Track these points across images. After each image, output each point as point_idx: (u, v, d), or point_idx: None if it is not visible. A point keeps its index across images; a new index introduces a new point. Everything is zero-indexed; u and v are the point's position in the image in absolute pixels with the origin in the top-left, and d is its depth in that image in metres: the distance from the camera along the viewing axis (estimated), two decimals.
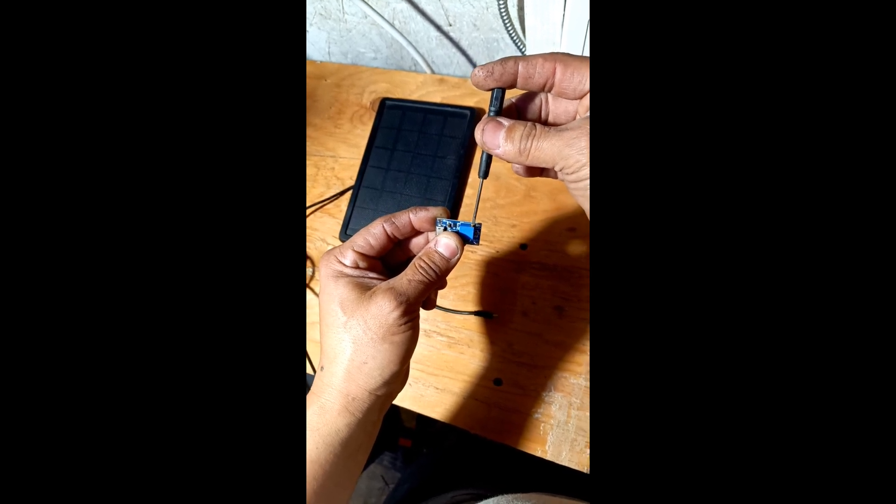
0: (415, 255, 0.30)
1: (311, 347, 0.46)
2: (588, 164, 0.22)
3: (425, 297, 0.28)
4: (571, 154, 0.22)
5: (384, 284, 0.27)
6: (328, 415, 0.27)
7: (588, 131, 0.22)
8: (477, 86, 0.25)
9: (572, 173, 0.23)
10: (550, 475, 0.49)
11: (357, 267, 0.28)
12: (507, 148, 0.24)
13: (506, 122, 0.24)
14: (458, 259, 0.28)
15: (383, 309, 0.25)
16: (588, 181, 0.22)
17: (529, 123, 0.24)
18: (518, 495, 0.36)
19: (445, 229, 0.28)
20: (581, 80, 0.24)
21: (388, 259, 0.31)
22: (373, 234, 0.28)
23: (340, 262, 0.28)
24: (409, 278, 0.27)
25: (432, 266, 0.27)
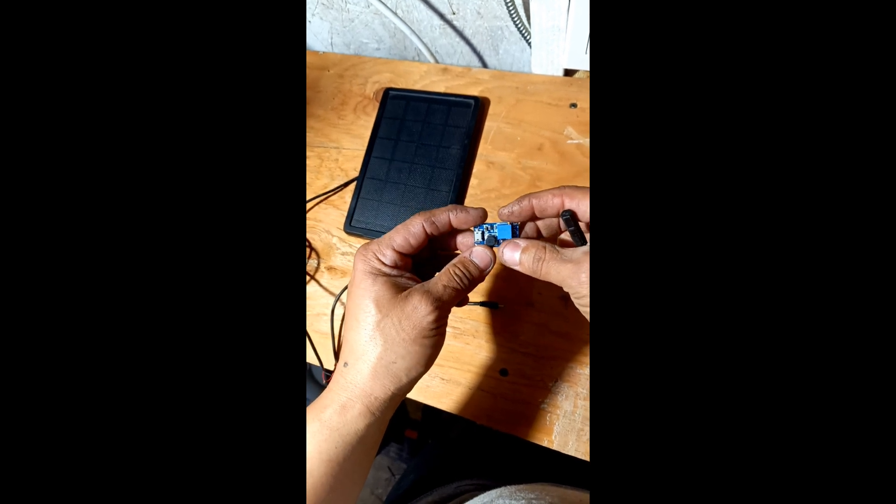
0: (440, 251, 0.30)
1: (315, 339, 0.46)
2: (588, 294, 0.25)
3: (456, 302, 0.28)
4: (573, 286, 0.25)
5: (420, 287, 0.27)
6: (349, 414, 0.27)
7: (587, 262, 0.25)
8: (507, 220, 0.29)
9: (577, 299, 0.26)
10: (557, 465, 0.49)
11: (395, 266, 0.28)
12: (524, 266, 0.27)
13: (522, 242, 0.28)
14: (491, 269, 0.29)
15: (419, 311, 0.26)
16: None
17: (540, 245, 0.27)
18: (521, 486, 0.36)
19: (483, 233, 0.29)
20: (587, 208, 0.27)
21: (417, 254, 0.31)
22: (413, 234, 0.28)
23: (380, 261, 0.28)
24: (444, 284, 0.27)
25: (466, 275, 0.28)
